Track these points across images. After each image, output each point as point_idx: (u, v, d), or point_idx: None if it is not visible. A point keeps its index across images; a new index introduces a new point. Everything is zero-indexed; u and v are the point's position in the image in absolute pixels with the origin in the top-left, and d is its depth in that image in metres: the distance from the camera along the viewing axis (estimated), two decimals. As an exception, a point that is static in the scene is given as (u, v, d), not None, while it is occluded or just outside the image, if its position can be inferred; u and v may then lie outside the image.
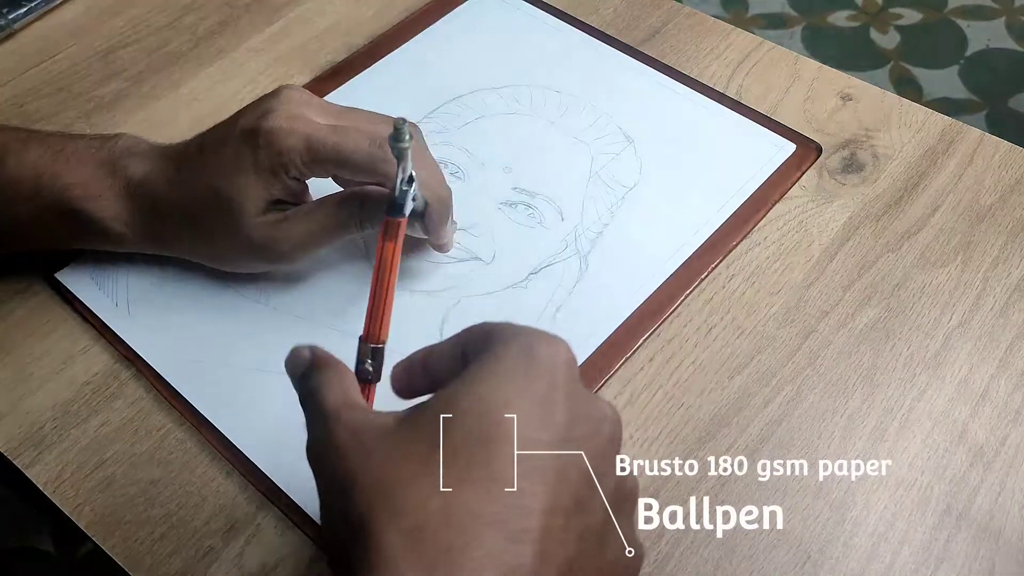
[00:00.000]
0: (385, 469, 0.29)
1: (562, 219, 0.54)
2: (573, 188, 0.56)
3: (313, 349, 0.36)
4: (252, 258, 0.48)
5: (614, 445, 0.32)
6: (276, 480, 0.45)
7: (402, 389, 0.36)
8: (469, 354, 0.33)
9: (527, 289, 0.51)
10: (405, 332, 0.49)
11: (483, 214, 0.54)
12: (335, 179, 0.49)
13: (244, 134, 0.45)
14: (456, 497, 0.28)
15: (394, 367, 0.37)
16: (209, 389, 0.47)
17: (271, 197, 0.46)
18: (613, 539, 0.31)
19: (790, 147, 0.58)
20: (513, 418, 0.29)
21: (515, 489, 0.28)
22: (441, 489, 0.28)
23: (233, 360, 0.48)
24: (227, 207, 0.45)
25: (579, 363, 0.48)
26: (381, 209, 0.42)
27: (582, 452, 0.30)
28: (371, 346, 0.39)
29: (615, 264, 0.53)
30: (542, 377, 0.30)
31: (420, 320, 0.50)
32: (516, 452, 0.28)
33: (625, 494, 0.33)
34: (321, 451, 0.31)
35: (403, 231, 0.41)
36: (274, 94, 0.46)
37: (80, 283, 0.51)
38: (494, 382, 0.30)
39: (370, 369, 0.39)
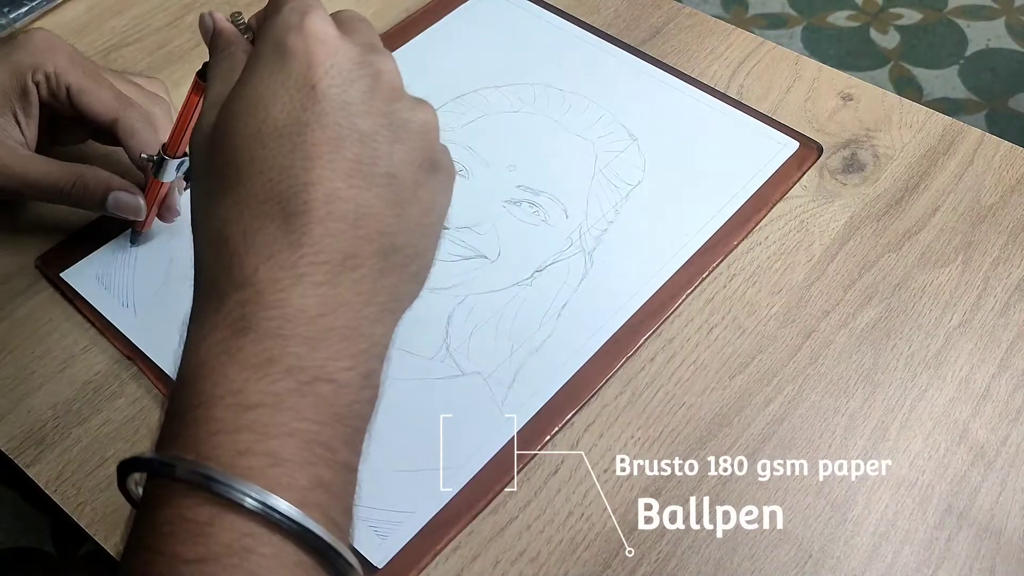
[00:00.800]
0: (196, 182, 0.34)
1: (567, 217, 0.54)
2: (577, 186, 0.56)
3: (216, 21, 0.37)
4: None
5: (391, 93, 0.32)
6: None
7: None
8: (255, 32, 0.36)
9: (532, 287, 0.51)
10: (410, 329, 0.49)
11: (488, 212, 0.54)
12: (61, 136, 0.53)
13: (7, 37, 0.50)
14: (238, 205, 0.31)
15: None
16: None
17: (10, 98, 0.48)
18: (400, 170, 0.32)
19: (794, 144, 0.58)
20: (276, 112, 0.31)
21: (287, 169, 0.30)
22: (225, 201, 0.31)
23: None
24: None
25: (585, 360, 0.48)
26: (96, 198, 0.49)
27: (354, 109, 0.31)
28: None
29: (620, 261, 0.53)
30: (295, 67, 0.31)
31: (425, 317, 0.50)
32: (283, 143, 0.30)
33: (407, 132, 0.32)
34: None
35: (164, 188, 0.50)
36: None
37: (86, 283, 0.51)
38: (252, 87, 0.32)
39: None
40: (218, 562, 0.26)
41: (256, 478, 0.27)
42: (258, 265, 0.30)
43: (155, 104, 0.52)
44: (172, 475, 0.27)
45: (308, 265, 0.30)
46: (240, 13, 0.37)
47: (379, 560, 0.42)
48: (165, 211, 0.52)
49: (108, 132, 0.50)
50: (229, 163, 0.31)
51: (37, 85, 0.49)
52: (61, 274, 0.52)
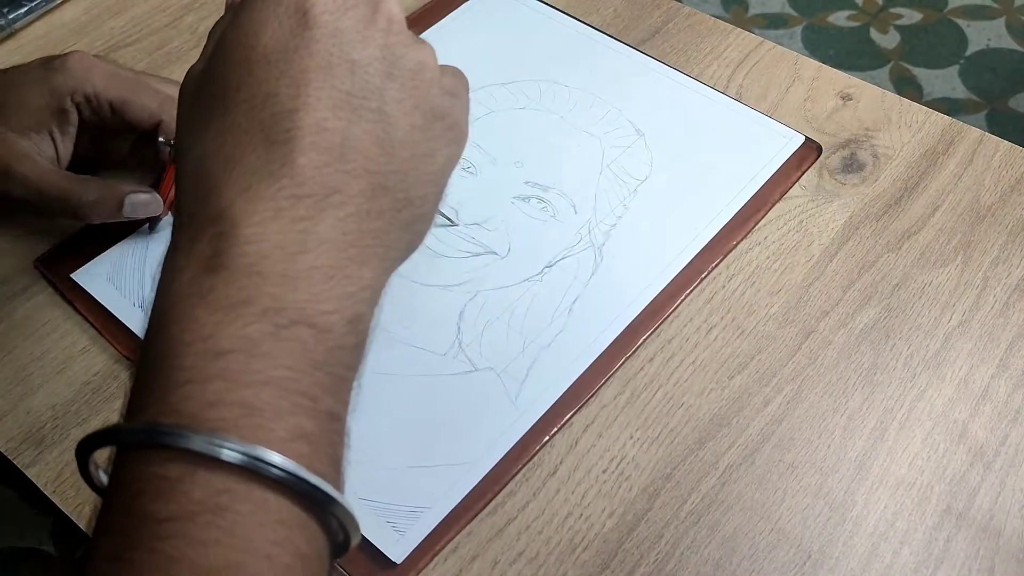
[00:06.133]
0: (183, 118, 0.33)
1: (575, 212, 0.55)
2: (585, 181, 0.56)
3: None
4: None
5: (388, 25, 0.31)
6: None
7: None
8: None
9: (543, 282, 0.52)
10: (422, 326, 0.50)
11: (496, 208, 0.54)
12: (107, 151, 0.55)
13: (45, 59, 0.51)
14: (221, 134, 0.29)
15: None
16: None
17: (47, 118, 0.50)
18: (392, 108, 0.31)
19: (799, 138, 0.58)
20: (266, 39, 0.30)
21: (272, 96, 0.29)
22: (209, 131, 0.30)
23: None
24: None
25: (599, 354, 0.49)
26: (112, 207, 0.50)
27: (346, 37, 0.30)
28: None
29: (630, 256, 0.53)
30: None
31: (437, 314, 0.50)
32: (271, 69, 0.29)
33: (400, 69, 0.31)
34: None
35: None
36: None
37: (97, 284, 0.52)
38: (246, 16, 0.31)
39: None
40: (192, 520, 0.24)
41: (229, 430, 0.25)
42: (235, 197, 0.28)
43: None
44: (136, 441, 0.25)
45: (288, 198, 0.28)
46: None
47: (398, 556, 0.42)
48: None
49: (152, 135, 0.52)
50: (215, 94, 0.30)
51: (78, 106, 0.51)
52: (71, 275, 0.52)
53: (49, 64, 0.51)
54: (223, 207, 0.28)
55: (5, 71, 0.52)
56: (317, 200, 0.28)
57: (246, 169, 0.28)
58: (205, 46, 0.33)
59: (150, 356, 0.27)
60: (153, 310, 0.28)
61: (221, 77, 0.30)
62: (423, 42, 0.32)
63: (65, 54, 0.51)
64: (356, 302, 0.29)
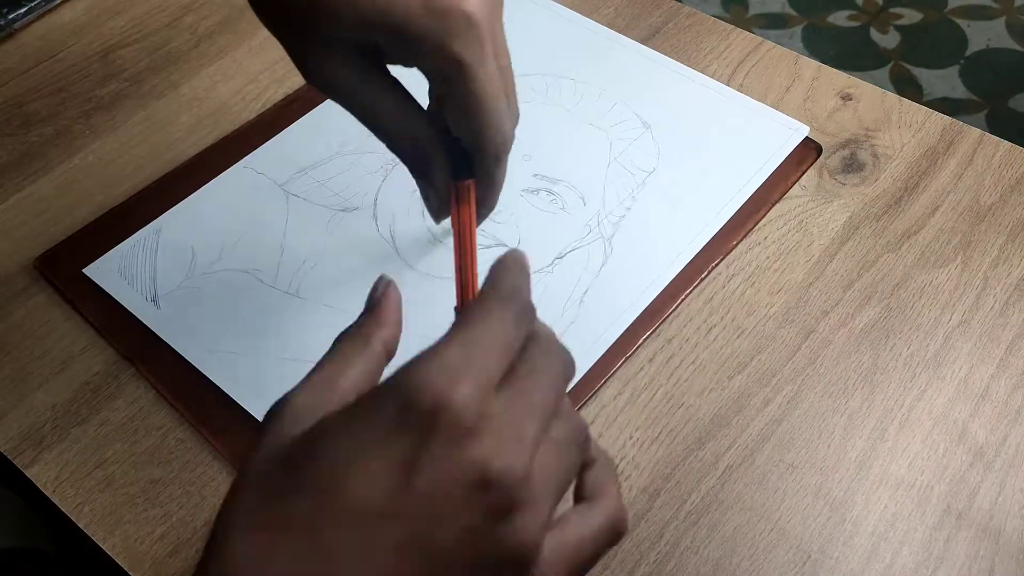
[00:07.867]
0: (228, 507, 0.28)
1: (584, 204, 0.55)
2: (593, 174, 0.56)
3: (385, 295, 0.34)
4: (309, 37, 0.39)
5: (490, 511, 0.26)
6: None
7: None
8: None
9: (553, 274, 0.52)
10: (435, 319, 0.49)
11: (505, 201, 0.54)
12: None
13: None
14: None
15: None
16: (242, 378, 0.48)
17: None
18: None
19: (804, 129, 0.58)
20: (355, 486, 0.25)
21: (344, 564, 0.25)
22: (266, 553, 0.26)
23: (265, 349, 0.49)
24: None
25: (610, 344, 0.48)
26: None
27: (436, 527, 0.26)
28: None
29: (640, 246, 0.53)
30: (409, 434, 0.26)
31: (449, 306, 0.50)
32: (351, 525, 0.25)
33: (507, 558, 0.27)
34: None
35: (473, 194, 0.41)
36: None
37: (108, 278, 0.52)
38: (347, 433, 0.26)
39: None
40: None
41: None
42: None
43: None
44: None
45: None
46: None
47: None
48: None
49: None
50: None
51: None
52: (83, 270, 0.52)
53: None
54: None
55: None
56: None
57: None
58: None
59: None
60: None
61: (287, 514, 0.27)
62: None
63: None
64: None
